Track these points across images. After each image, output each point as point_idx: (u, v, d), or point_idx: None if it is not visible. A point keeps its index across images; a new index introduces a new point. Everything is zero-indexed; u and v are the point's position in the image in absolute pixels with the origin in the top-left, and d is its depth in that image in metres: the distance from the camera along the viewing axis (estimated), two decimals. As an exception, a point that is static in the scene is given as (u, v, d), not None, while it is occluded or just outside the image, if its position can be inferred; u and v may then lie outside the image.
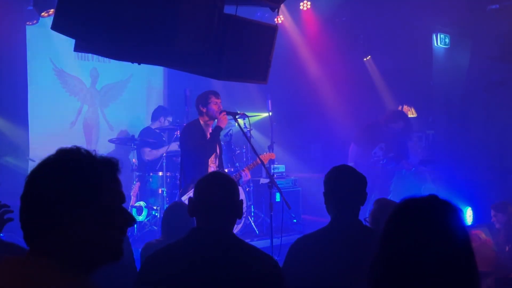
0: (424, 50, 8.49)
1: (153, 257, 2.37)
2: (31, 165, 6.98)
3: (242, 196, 4.66)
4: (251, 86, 8.67)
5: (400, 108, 8.26)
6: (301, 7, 8.54)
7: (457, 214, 1.54)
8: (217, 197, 2.35)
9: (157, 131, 7.80)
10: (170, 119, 7.98)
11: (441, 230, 1.50)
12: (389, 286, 1.49)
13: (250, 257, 2.32)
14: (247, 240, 2.78)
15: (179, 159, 5.99)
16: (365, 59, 8.75)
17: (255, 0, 4.04)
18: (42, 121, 7.67)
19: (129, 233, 6.61)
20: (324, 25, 8.64)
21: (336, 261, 2.68)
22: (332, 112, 8.61)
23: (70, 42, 3.48)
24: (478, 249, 1.55)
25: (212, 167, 5.78)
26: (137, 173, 7.29)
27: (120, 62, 5.88)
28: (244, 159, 7.57)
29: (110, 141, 7.75)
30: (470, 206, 7.15)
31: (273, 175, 6.83)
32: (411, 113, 8.33)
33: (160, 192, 7.06)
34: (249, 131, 6.24)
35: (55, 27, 3.10)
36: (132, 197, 6.98)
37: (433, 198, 1.56)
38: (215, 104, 5.68)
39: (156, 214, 6.94)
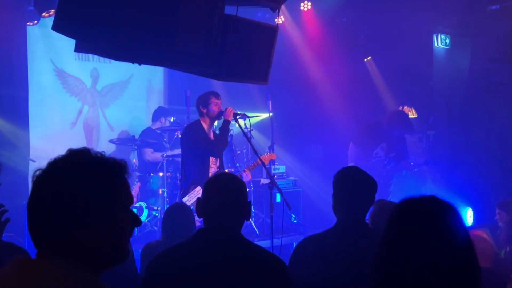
0: (425, 50, 8.49)
1: (160, 257, 2.35)
2: (32, 166, 6.98)
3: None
4: (251, 86, 8.66)
5: (401, 108, 8.26)
6: (301, 8, 8.54)
7: (457, 214, 1.54)
8: (225, 197, 2.33)
9: (158, 131, 7.81)
10: (172, 119, 7.97)
11: (441, 230, 1.50)
12: (390, 286, 1.49)
13: (258, 258, 2.31)
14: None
15: (180, 159, 6.00)
16: (365, 59, 8.75)
17: (256, 0, 4.04)
18: (42, 122, 7.67)
19: (130, 234, 6.61)
20: (325, 26, 8.64)
21: (341, 262, 2.67)
22: (332, 113, 8.60)
23: (71, 42, 3.48)
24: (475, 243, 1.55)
25: (213, 167, 5.78)
26: (138, 174, 7.29)
27: (121, 62, 5.89)
28: (245, 159, 7.57)
29: (111, 141, 7.75)
30: (471, 207, 7.15)
31: (274, 175, 6.83)
32: (412, 114, 8.33)
33: (160, 192, 7.06)
34: (250, 131, 6.24)
35: (56, 27, 3.10)
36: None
37: (432, 199, 1.56)
38: (215, 105, 5.68)
39: (157, 214, 6.94)
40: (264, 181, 7.05)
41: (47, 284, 1.34)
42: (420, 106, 8.50)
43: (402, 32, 8.02)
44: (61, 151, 1.53)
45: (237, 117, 5.47)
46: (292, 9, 8.53)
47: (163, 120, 7.93)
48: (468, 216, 7.15)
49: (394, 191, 7.13)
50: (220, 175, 2.65)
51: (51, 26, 3.12)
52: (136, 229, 7.22)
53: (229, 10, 3.63)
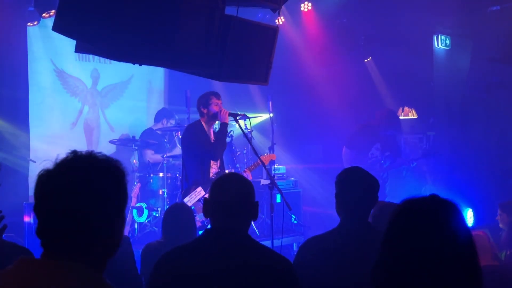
0: (425, 51, 8.49)
1: (167, 257, 2.34)
2: (32, 166, 6.98)
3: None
4: (252, 87, 8.68)
5: (400, 109, 8.26)
6: (302, 8, 8.54)
7: (459, 213, 1.54)
8: (234, 198, 2.32)
9: (159, 132, 7.80)
10: (173, 121, 7.98)
11: (444, 229, 1.50)
12: (392, 287, 1.49)
13: (265, 259, 2.30)
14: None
15: (180, 160, 5.99)
16: (366, 60, 8.75)
17: (256, 1, 4.04)
18: (42, 122, 7.67)
19: (130, 234, 6.61)
20: (325, 27, 8.64)
21: (345, 263, 2.67)
22: (333, 113, 8.60)
23: (71, 43, 3.49)
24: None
25: (213, 168, 5.78)
26: (138, 174, 7.29)
27: (121, 63, 5.88)
28: (245, 160, 7.56)
29: (111, 142, 7.75)
30: (471, 208, 7.14)
31: (274, 176, 6.83)
32: (412, 115, 8.33)
33: (160, 193, 7.06)
34: (250, 132, 6.23)
35: (56, 28, 3.10)
36: (132, 198, 6.97)
37: (434, 198, 1.56)
38: (216, 105, 5.68)
39: (157, 215, 6.94)
40: (264, 181, 7.04)
41: (61, 285, 1.36)
42: (420, 107, 8.50)
43: (402, 33, 8.02)
44: (61, 151, 1.54)
45: (238, 118, 5.47)
46: (293, 10, 8.53)
47: (165, 122, 7.93)
48: (469, 217, 7.14)
49: (391, 192, 7.15)
50: (227, 175, 2.62)
51: (51, 27, 3.12)
52: (136, 229, 7.23)
53: (230, 11, 3.63)
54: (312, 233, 6.40)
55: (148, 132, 7.80)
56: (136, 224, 6.93)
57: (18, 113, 7.20)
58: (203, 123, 5.77)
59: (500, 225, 5.66)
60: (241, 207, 2.33)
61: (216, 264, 2.21)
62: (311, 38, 8.73)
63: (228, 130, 6.88)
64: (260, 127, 8.71)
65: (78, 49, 3.53)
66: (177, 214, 4.02)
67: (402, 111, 8.30)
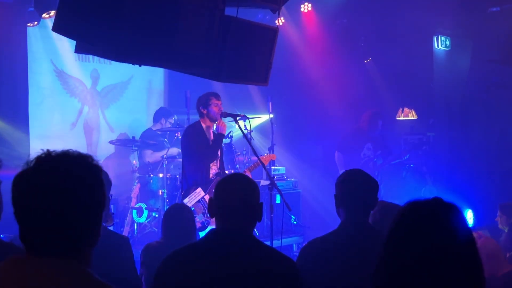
0: (425, 52, 8.49)
1: (172, 258, 2.33)
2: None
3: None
4: (252, 88, 8.67)
5: (400, 110, 8.27)
6: (302, 9, 8.55)
7: (462, 217, 1.54)
8: (240, 199, 2.31)
9: (158, 132, 7.80)
10: (172, 120, 7.97)
11: (447, 233, 1.49)
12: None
13: (270, 259, 2.30)
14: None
15: (180, 161, 5.99)
16: (366, 61, 8.75)
17: (256, 2, 4.04)
18: (42, 122, 7.66)
19: (129, 235, 6.60)
20: (325, 27, 8.64)
21: (347, 264, 2.68)
22: (333, 114, 8.60)
23: (71, 43, 3.49)
24: (482, 246, 1.55)
25: (213, 169, 5.78)
26: (138, 175, 7.29)
27: (121, 63, 5.88)
28: (245, 161, 7.56)
29: (111, 142, 7.74)
30: (471, 209, 7.14)
31: (274, 177, 6.83)
32: (412, 115, 8.33)
33: (160, 193, 7.06)
34: (250, 132, 6.23)
35: (56, 28, 3.10)
36: (132, 198, 6.97)
37: (437, 201, 1.56)
38: (215, 106, 5.68)
39: (157, 215, 6.93)
40: (264, 182, 7.04)
41: (50, 281, 1.39)
42: (420, 108, 8.50)
43: (402, 34, 8.02)
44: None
45: (237, 118, 5.47)
46: (293, 11, 8.53)
47: (164, 122, 7.92)
48: (468, 218, 7.14)
49: (387, 192, 7.18)
50: (233, 175, 2.60)
51: (51, 27, 3.12)
52: (136, 230, 7.22)
53: (230, 11, 3.63)
54: (312, 233, 6.41)
55: (147, 133, 7.80)
56: (135, 224, 6.93)
57: (18, 114, 7.19)
58: (202, 123, 5.77)
59: (500, 226, 5.67)
60: (248, 209, 2.32)
61: (220, 265, 2.20)
62: (311, 39, 8.73)
63: (228, 131, 6.90)
64: (260, 127, 8.71)
65: (78, 50, 3.53)
66: (177, 214, 4.01)
67: (402, 112, 8.30)
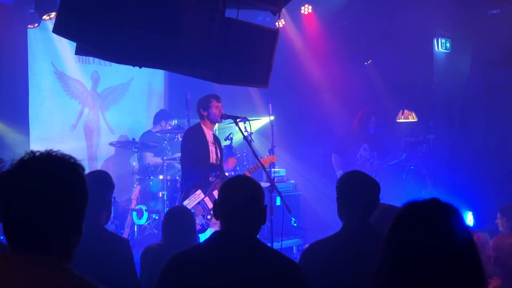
0: (425, 54, 8.49)
1: (175, 260, 2.33)
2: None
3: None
4: (252, 90, 8.67)
5: (400, 112, 8.27)
6: (302, 11, 8.55)
7: (460, 217, 1.54)
8: (245, 202, 2.30)
9: (158, 134, 7.79)
10: (172, 123, 7.96)
11: (445, 233, 1.50)
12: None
13: (275, 262, 2.29)
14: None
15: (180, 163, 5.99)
16: (366, 63, 8.75)
17: (257, 4, 4.04)
18: (42, 124, 7.66)
19: (129, 237, 6.60)
20: (325, 29, 8.64)
21: (349, 267, 2.67)
22: (333, 116, 8.61)
23: (71, 45, 3.49)
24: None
25: (213, 170, 5.77)
26: (138, 177, 7.29)
27: (121, 65, 5.86)
28: (245, 162, 7.56)
29: (111, 144, 7.74)
30: (471, 211, 7.13)
31: (274, 179, 6.82)
32: (412, 118, 8.33)
33: (160, 195, 7.06)
34: (250, 134, 6.23)
35: (57, 30, 3.11)
36: (132, 200, 6.97)
37: (435, 202, 1.56)
38: (216, 108, 5.67)
39: (157, 217, 6.93)
40: (264, 184, 7.04)
41: (32, 277, 1.42)
42: (421, 110, 8.50)
43: (402, 36, 8.03)
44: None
45: (238, 120, 5.47)
46: (293, 13, 8.54)
47: (164, 124, 7.92)
48: (469, 220, 7.13)
49: (386, 195, 7.15)
50: (238, 177, 2.58)
51: (51, 29, 3.13)
52: (136, 232, 7.21)
53: (230, 13, 3.63)
54: (312, 235, 6.40)
55: (147, 135, 7.80)
56: (135, 226, 6.92)
57: (18, 115, 7.20)
58: (203, 126, 5.76)
59: (500, 229, 5.66)
60: (253, 212, 2.32)
61: (224, 267, 2.20)
62: (312, 41, 8.74)
63: (228, 133, 6.90)
64: (260, 129, 8.71)
65: (78, 51, 3.53)
66: (177, 216, 4.01)
67: (402, 114, 8.30)
